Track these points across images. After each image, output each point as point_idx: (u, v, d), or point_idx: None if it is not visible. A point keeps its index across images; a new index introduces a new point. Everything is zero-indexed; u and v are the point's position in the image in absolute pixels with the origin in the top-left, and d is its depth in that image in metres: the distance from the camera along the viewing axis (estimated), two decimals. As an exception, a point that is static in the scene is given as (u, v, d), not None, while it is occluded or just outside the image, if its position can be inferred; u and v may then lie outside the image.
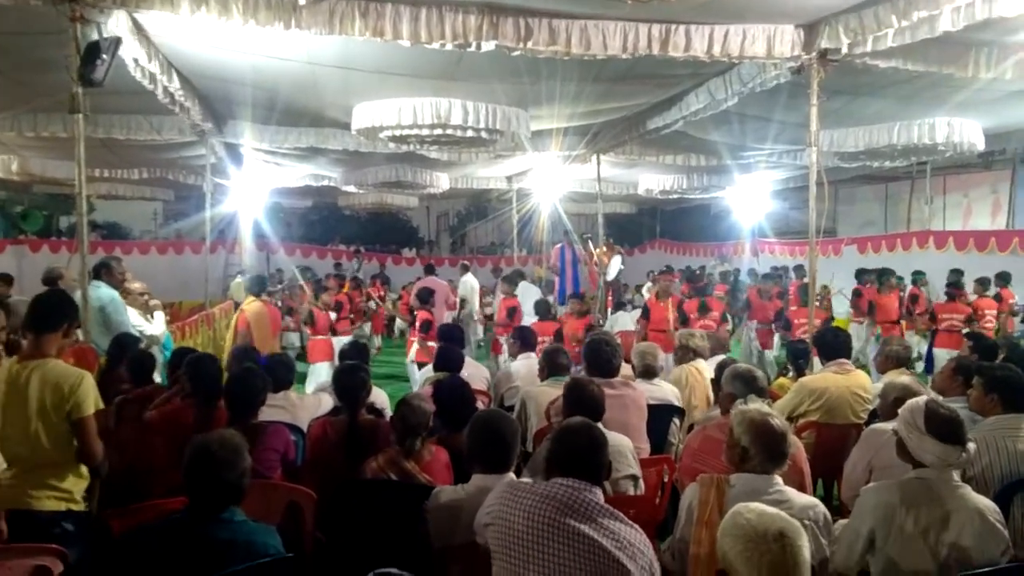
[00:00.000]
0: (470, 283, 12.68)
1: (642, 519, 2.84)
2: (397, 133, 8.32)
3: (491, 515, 2.55)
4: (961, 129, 9.17)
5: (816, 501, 2.79)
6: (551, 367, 4.80)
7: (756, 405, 3.05)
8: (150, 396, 4.37)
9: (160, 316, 6.95)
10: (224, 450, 2.52)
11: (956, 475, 2.84)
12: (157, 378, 6.19)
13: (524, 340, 6.09)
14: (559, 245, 13.54)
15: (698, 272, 13.79)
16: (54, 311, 3.35)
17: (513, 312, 10.13)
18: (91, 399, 3.20)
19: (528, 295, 11.93)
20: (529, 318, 10.00)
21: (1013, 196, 14.14)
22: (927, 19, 5.22)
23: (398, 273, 18.74)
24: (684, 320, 9.01)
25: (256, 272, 13.58)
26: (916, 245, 13.20)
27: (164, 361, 6.29)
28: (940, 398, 3.73)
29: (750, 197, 15.85)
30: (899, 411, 2.99)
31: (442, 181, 14.05)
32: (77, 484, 3.28)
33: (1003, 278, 10.33)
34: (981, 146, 9.65)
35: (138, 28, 5.89)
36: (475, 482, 2.93)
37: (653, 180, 14.87)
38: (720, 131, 10.06)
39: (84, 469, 3.31)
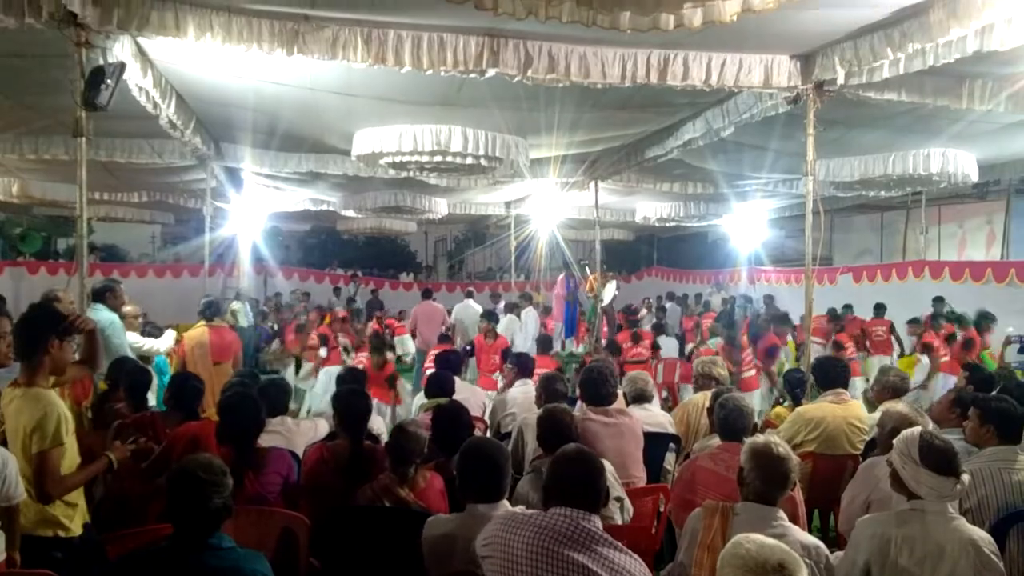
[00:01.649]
0: (472, 310, 12.58)
1: (638, 548, 2.82)
2: (397, 159, 8.38)
3: (489, 546, 2.54)
4: (955, 160, 9.25)
5: (819, 543, 2.78)
6: (548, 394, 4.80)
7: (766, 436, 3.07)
8: (149, 421, 4.37)
9: (170, 333, 6.97)
10: (210, 473, 2.50)
11: (952, 507, 2.83)
12: (152, 400, 6.19)
13: (521, 367, 6.09)
14: (563, 275, 13.62)
15: (633, 307, 14.47)
16: (30, 336, 3.27)
17: (507, 353, 9.39)
18: (49, 435, 3.08)
19: (530, 320, 11.97)
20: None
21: (1008, 227, 14.18)
22: (921, 51, 5.29)
23: (395, 298, 18.75)
24: (618, 350, 9.59)
25: (251, 296, 13.59)
26: (912, 275, 13.24)
27: (160, 385, 6.29)
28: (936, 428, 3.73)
29: (747, 225, 15.94)
30: (894, 442, 3.00)
31: (441, 207, 14.13)
32: (66, 511, 3.23)
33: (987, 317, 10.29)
34: (975, 177, 9.73)
35: (142, 53, 5.95)
36: (470, 511, 2.92)
37: (651, 207, 14.96)
38: (717, 160, 10.14)
39: (74, 496, 3.27)
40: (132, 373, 4.81)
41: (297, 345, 10.59)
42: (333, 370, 9.73)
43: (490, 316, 10.25)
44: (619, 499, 3.69)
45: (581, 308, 13.39)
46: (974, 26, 4.76)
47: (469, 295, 13.36)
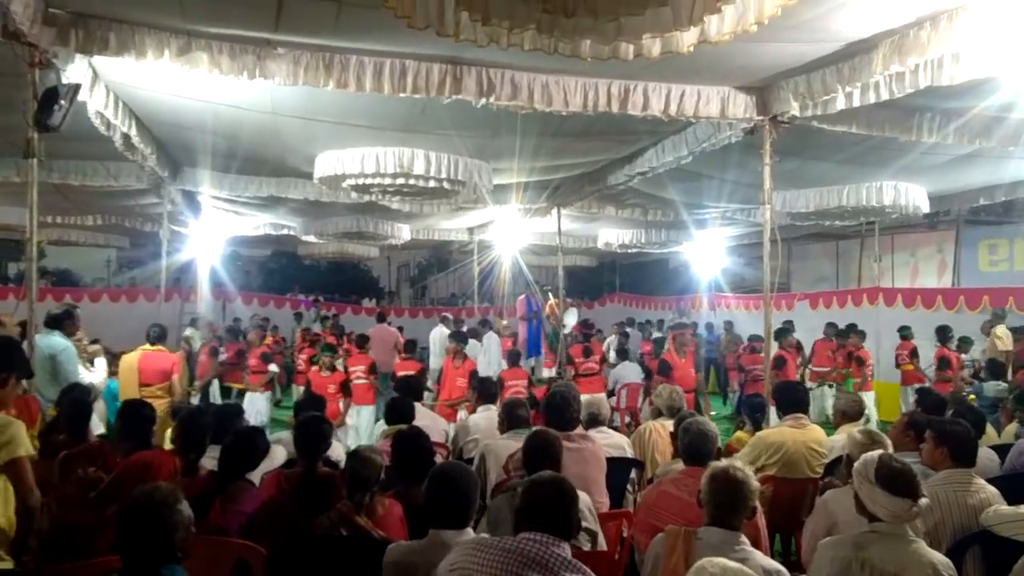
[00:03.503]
0: (443, 335, 12.52)
1: (602, 574, 2.80)
2: (359, 182, 8.34)
3: (455, 571, 2.49)
4: (907, 192, 9.56)
5: (780, 567, 2.77)
6: (511, 420, 4.77)
7: (727, 461, 3.07)
8: (98, 450, 4.24)
9: (101, 363, 6.82)
10: (162, 503, 2.41)
11: (911, 530, 2.86)
12: (102, 427, 6.02)
13: (483, 392, 6.04)
14: (523, 296, 13.66)
15: (589, 321, 14.83)
16: None
17: (475, 375, 9.42)
18: (22, 443, 3.14)
19: (492, 344, 11.99)
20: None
21: (957, 256, 14.62)
22: (873, 85, 5.47)
23: (357, 324, 18.54)
24: (569, 361, 10.48)
25: (207, 320, 13.31)
26: (867, 301, 13.51)
27: (111, 411, 6.14)
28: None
29: (707, 253, 16.17)
30: (855, 464, 3.03)
31: (403, 232, 14.09)
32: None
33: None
34: (925, 208, 10.06)
35: (98, 74, 5.86)
36: (431, 537, 2.86)
37: (613, 234, 15.10)
38: (677, 188, 10.30)
39: (5, 523, 3.18)
40: (72, 403, 4.68)
41: (209, 369, 10.35)
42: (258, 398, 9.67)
43: (459, 337, 10.15)
44: (592, 532, 3.64)
45: (544, 331, 13.47)
46: (913, 63, 4.92)
47: (444, 320, 13.44)
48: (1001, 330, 9.97)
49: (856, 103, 5.78)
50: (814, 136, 7.04)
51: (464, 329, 13.36)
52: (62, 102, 4.95)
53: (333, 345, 9.57)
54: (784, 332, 11.35)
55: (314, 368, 9.00)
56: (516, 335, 14.40)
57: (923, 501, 2.82)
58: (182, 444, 4.04)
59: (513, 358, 9.63)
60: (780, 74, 6.07)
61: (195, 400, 9.53)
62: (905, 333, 11.03)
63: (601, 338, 14.32)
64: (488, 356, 11.62)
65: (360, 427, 8.82)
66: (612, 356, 12.98)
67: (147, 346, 7.37)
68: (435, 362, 12.03)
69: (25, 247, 5.20)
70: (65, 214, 12.91)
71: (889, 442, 3.88)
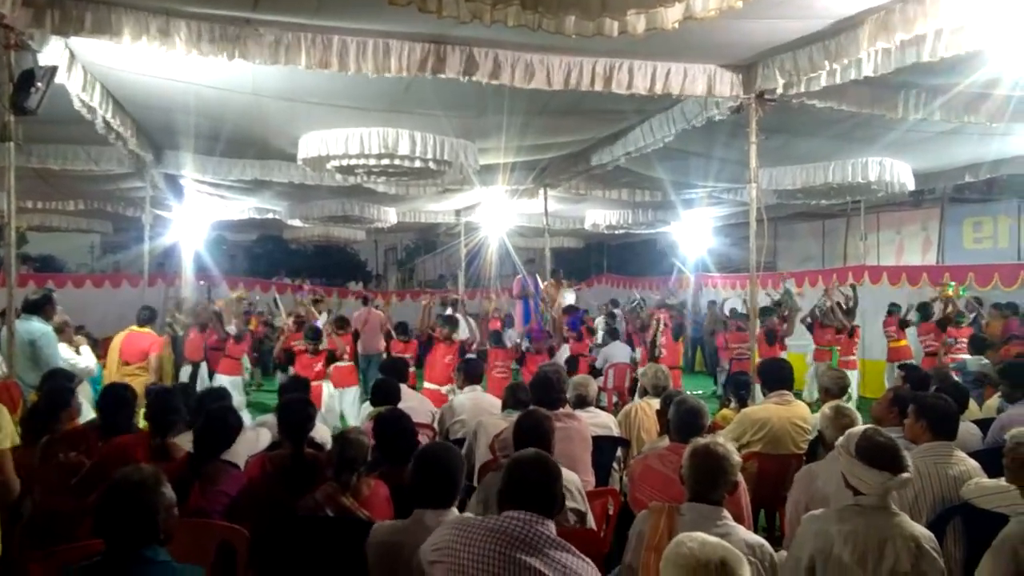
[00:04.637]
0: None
1: (588, 551, 2.81)
2: (344, 163, 8.26)
3: (438, 551, 2.49)
4: (892, 169, 9.58)
5: (763, 541, 2.80)
6: (510, 401, 4.80)
7: (710, 436, 3.09)
8: (82, 434, 4.21)
9: (86, 350, 6.82)
10: (141, 484, 2.39)
11: (894, 503, 2.88)
12: (91, 412, 5.99)
13: (469, 373, 6.04)
14: (519, 276, 13.74)
15: (574, 306, 15.10)
16: None
17: (463, 350, 10.05)
18: (7, 433, 3.08)
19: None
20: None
21: (942, 233, 14.71)
22: (857, 61, 5.45)
23: (344, 308, 18.47)
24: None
25: (195, 303, 13.25)
26: (852, 279, 13.60)
27: (94, 395, 6.12)
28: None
29: (693, 233, 16.20)
30: (839, 438, 3.05)
31: (390, 215, 14.03)
32: None
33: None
34: (911, 186, 10.10)
35: (76, 56, 5.77)
36: (415, 516, 2.86)
37: (600, 215, 15.09)
38: (664, 167, 10.28)
39: None
40: (51, 390, 4.64)
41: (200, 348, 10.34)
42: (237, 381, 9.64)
43: (449, 321, 10.21)
44: (579, 513, 3.65)
45: (540, 309, 13.54)
46: (900, 38, 4.89)
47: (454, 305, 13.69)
48: None
49: (841, 80, 5.77)
50: (801, 113, 7.02)
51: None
52: (38, 84, 4.89)
53: (319, 330, 9.53)
54: (770, 311, 11.41)
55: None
56: (502, 316, 14.45)
57: (903, 476, 2.82)
58: (151, 426, 4.01)
59: (496, 338, 9.72)
60: (766, 51, 6.04)
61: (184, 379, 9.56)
62: (893, 309, 11.11)
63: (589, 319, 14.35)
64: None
65: (344, 409, 8.82)
66: (600, 336, 13.03)
67: (135, 327, 7.75)
68: None
69: (3, 233, 5.14)
70: (47, 199, 12.77)
71: (857, 416, 3.90)
